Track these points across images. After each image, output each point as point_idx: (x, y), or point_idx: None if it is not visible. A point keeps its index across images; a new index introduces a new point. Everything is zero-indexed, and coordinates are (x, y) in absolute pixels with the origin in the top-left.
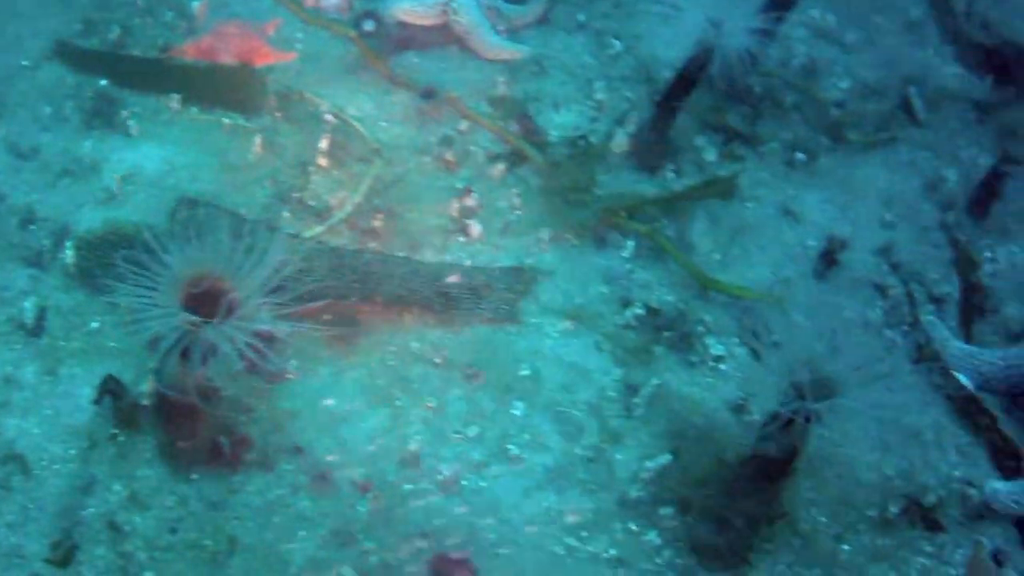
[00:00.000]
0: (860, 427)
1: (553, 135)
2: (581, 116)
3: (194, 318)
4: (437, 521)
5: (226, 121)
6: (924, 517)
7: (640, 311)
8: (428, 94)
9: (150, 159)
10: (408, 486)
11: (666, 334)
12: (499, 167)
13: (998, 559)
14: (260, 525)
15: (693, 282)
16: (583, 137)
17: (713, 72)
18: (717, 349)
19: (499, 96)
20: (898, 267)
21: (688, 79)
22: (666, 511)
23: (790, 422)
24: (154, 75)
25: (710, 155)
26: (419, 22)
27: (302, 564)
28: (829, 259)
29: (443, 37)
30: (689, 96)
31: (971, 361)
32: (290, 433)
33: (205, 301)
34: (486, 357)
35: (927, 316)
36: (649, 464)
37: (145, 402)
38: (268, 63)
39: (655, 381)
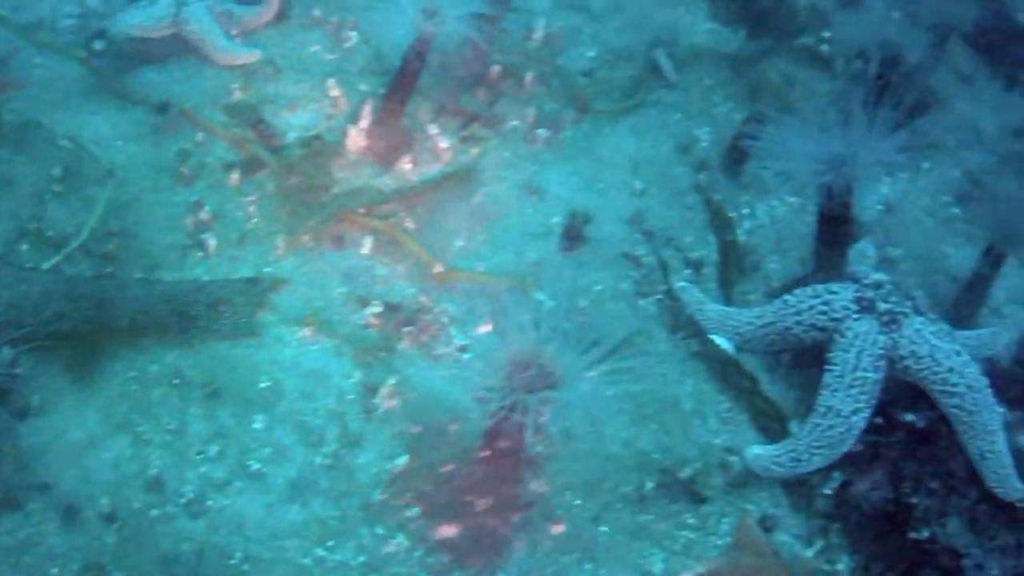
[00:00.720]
0: (611, 404)
1: (290, 137)
2: (317, 115)
3: None
4: (184, 545)
5: None
6: (684, 489)
7: (379, 309)
8: (162, 108)
9: None
10: (154, 511)
11: (407, 329)
12: (234, 176)
13: (766, 525)
14: (12, 566)
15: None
16: (318, 136)
17: (433, 61)
18: (461, 339)
19: (234, 102)
20: (651, 234)
21: (409, 70)
22: (412, 511)
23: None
24: None
25: (447, 142)
26: (150, 35)
27: None
28: (573, 235)
29: (178, 48)
30: (413, 86)
31: (727, 323)
32: (36, 470)
33: None
34: (225, 373)
35: (679, 282)
36: (389, 466)
37: None
38: (5, 94)
39: (393, 379)
